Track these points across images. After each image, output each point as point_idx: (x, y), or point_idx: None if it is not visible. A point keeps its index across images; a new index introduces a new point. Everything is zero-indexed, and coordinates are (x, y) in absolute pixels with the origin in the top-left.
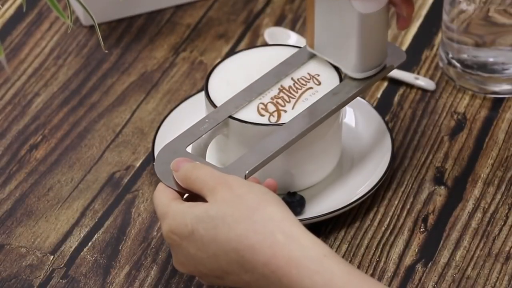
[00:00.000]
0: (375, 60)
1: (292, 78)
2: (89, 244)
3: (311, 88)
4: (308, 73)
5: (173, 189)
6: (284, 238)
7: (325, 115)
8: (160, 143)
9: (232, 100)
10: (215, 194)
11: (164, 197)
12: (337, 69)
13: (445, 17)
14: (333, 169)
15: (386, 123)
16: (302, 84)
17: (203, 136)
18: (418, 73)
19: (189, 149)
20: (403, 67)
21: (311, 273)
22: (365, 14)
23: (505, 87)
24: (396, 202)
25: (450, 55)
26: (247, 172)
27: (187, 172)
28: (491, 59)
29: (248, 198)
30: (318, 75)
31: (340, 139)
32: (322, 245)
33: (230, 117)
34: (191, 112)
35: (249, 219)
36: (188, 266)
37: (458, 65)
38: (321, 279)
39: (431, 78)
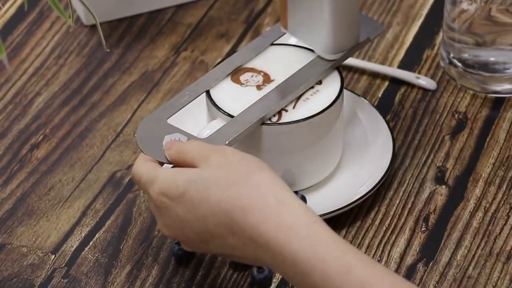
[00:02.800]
0: (346, 41)
1: None
2: (90, 243)
3: (311, 87)
4: None
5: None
6: (275, 203)
7: (301, 87)
8: None
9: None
10: (209, 160)
11: (149, 165)
12: (337, 68)
13: (446, 16)
14: (334, 169)
15: (387, 122)
16: None
17: (205, 137)
18: (419, 73)
19: (170, 121)
20: (404, 66)
21: (299, 238)
22: None
23: (506, 86)
24: (397, 202)
25: (451, 55)
26: (226, 142)
27: (180, 147)
28: (492, 59)
29: (242, 164)
30: None
31: (341, 139)
32: (312, 212)
33: (232, 117)
34: (192, 111)
35: (242, 182)
36: (175, 229)
37: (459, 64)
38: (308, 244)
39: (432, 77)
